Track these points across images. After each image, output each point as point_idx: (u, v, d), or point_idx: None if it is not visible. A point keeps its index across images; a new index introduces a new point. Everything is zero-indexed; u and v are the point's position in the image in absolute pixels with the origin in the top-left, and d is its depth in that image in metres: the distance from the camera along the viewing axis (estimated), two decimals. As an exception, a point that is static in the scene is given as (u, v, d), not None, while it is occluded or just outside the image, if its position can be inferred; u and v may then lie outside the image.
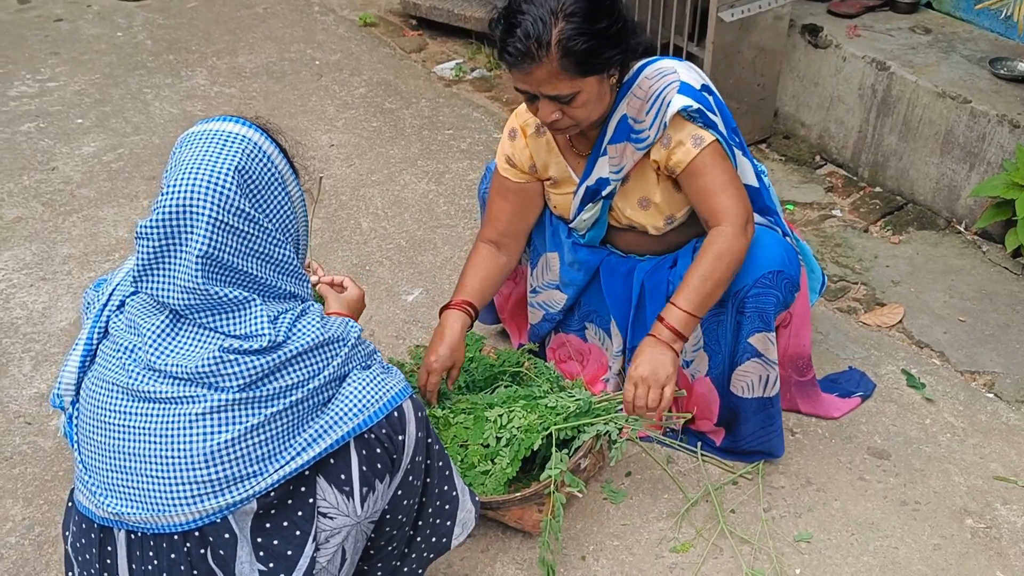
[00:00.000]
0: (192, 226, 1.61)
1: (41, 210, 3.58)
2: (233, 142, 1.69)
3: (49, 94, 4.35)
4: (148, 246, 1.63)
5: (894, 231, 3.46)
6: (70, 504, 1.88)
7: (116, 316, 1.80)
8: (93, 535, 1.76)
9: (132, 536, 1.72)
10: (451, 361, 2.41)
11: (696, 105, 2.18)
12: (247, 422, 1.66)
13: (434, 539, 1.99)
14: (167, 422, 1.66)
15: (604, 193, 2.36)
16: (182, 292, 1.63)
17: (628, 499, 2.47)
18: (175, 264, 1.63)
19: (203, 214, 1.60)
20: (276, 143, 1.78)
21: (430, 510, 1.95)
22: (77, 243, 3.42)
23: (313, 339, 1.72)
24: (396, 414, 1.78)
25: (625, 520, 2.42)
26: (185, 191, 1.61)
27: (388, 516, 1.86)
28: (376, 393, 1.77)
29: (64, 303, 3.14)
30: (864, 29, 3.77)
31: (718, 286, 2.24)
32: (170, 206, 1.61)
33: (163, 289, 1.65)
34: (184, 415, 1.66)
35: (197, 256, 1.60)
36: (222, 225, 1.62)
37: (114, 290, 1.83)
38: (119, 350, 1.73)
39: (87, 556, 1.78)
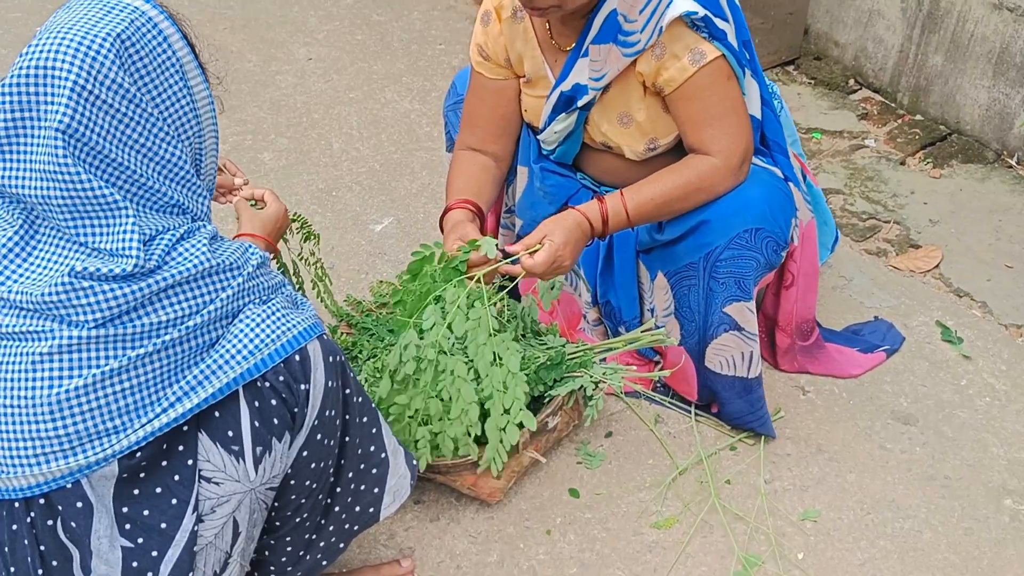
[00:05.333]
0: (52, 93, 1.32)
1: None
2: (121, 10, 1.41)
3: None
4: None
5: (935, 164, 3.04)
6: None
7: (-39, 234, 1.47)
8: (-71, 497, 1.46)
9: None
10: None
11: (702, 11, 1.79)
12: (105, 366, 1.37)
13: (358, 508, 1.71)
14: (7, 363, 1.39)
15: (580, 103, 1.98)
16: (40, 179, 1.34)
17: (606, 464, 2.13)
18: (32, 141, 1.34)
19: (66, 79, 1.32)
20: (179, 28, 1.48)
21: (351, 475, 1.66)
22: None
23: (196, 266, 1.42)
24: (298, 358, 1.48)
25: (601, 489, 2.08)
26: (46, 53, 1.33)
27: (293, 482, 1.57)
28: (273, 332, 1.47)
29: None
30: (911, -66, 3.31)
31: (675, 213, 1.96)
32: (26, 69, 1.33)
33: (16, 176, 1.35)
34: (26, 355, 1.38)
35: (57, 130, 1.31)
36: (90, 97, 1.33)
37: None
38: None
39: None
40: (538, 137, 2.12)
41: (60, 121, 1.31)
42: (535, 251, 1.83)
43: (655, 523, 2.01)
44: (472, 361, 1.85)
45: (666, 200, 1.92)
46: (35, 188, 1.34)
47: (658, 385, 2.28)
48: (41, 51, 1.33)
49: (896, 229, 2.80)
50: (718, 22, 1.82)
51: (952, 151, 3.10)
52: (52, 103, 1.31)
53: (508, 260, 1.89)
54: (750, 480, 2.09)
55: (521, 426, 1.86)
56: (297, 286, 2.26)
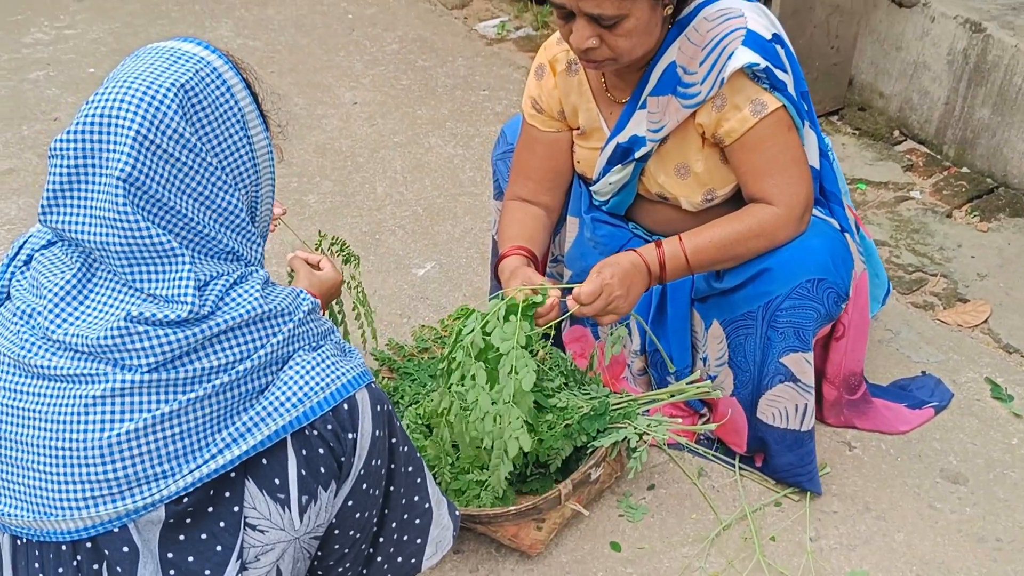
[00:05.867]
0: (115, 142, 1.33)
1: (35, 162, 3.31)
2: (186, 61, 1.42)
3: (64, 42, 4.09)
4: (62, 166, 1.35)
5: (982, 217, 3.00)
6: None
7: (20, 274, 1.49)
8: (-23, 538, 1.46)
9: (19, 542, 1.44)
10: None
11: (763, 63, 1.79)
12: (156, 410, 1.36)
13: (400, 559, 1.67)
14: (60, 405, 1.38)
15: (637, 155, 1.97)
16: (100, 225, 1.34)
17: (648, 517, 2.10)
18: (93, 189, 1.34)
19: (129, 128, 1.33)
20: (244, 79, 1.48)
21: (394, 524, 1.63)
22: (69, 198, 3.14)
23: (248, 311, 1.41)
24: (346, 406, 1.46)
25: (643, 543, 2.04)
26: (111, 102, 1.34)
27: (337, 531, 1.55)
28: (322, 380, 1.46)
29: (45, 262, 2.86)
30: (957, -13, 3.30)
31: (734, 260, 1.93)
32: (90, 117, 1.34)
33: (77, 222, 1.36)
34: (79, 397, 1.37)
35: (118, 179, 1.31)
36: (151, 146, 1.34)
37: (24, 243, 1.53)
38: (17, 315, 1.45)
39: (-29, 563, 1.48)
40: (591, 188, 2.11)
41: (121, 170, 1.31)
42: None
43: (698, 580, 1.97)
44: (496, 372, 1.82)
45: (726, 244, 1.89)
46: (94, 234, 1.34)
47: (701, 437, 2.25)
48: (106, 100, 1.34)
49: (943, 282, 2.76)
50: (778, 73, 1.81)
51: (1000, 204, 3.06)
52: (114, 151, 1.32)
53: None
54: (795, 537, 2.05)
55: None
56: (340, 316, 2.28)
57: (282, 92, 3.68)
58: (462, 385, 1.80)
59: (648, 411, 2.12)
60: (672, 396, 2.05)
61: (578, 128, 2.06)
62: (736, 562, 2.00)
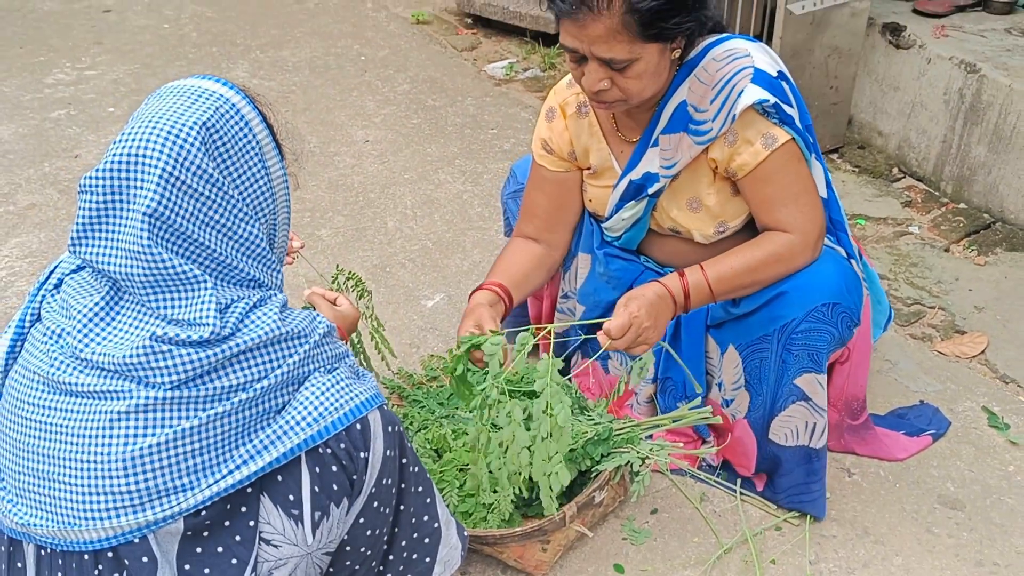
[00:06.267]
0: (142, 179, 1.39)
1: (56, 198, 3.41)
2: (207, 99, 1.49)
3: (85, 82, 4.21)
4: (91, 201, 1.42)
5: (979, 251, 3.07)
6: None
7: (51, 296, 1.56)
8: (3, 548, 1.53)
9: (43, 552, 1.49)
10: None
11: (772, 99, 1.86)
12: (178, 425, 1.42)
13: None
14: (86, 420, 1.43)
15: (650, 191, 2.04)
16: (126, 257, 1.41)
17: (651, 541, 2.14)
18: (120, 223, 1.41)
19: (155, 167, 1.39)
20: (260, 112, 1.56)
21: (403, 543, 1.68)
22: (88, 233, 3.23)
23: (267, 333, 1.47)
24: (359, 426, 1.51)
25: (646, 565, 2.09)
26: (138, 141, 1.41)
27: (348, 548, 1.60)
28: (336, 400, 1.51)
29: (65, 294, 2.94)
30: (953, 29, 3.40)
31: (754, 287, 1.97)
32: (119, 156, 1.41)
33: (104, 254, 1.43)
34: (105, 412, 1.42)
35: (144, 214, 1.38)
36: (176, 183, 1.40)
37: (55, 268, 1.61)
38: (47, 335, 1.51)
39: (-4, 573, 1.54)
40: (603, 225, 2.17)
41: (148, 206, 1.38)
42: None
43: (700, 601, 2.02)
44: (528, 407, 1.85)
45: (747, 271, 1.94)
46: (120, 266, 1.41)
47: (703, 463, 2.30)
48: (133, 139, 1.41)
49: (941, 315, 2.81)
50: (786, 108, 1.88)
51: (996, 239, 3.13)
52: (142, 188, 1.39)
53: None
54: (795, 561, 2.09)
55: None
56: (360, 346, 2.34)
57: (296, 130, 3.79)
58: (496, 422, 1.82)
59: (651, 436, 2.18)
60: (674, 421, 2.10)
61: (589, 168, 2.13)
62: (737, 584, 2.05)
